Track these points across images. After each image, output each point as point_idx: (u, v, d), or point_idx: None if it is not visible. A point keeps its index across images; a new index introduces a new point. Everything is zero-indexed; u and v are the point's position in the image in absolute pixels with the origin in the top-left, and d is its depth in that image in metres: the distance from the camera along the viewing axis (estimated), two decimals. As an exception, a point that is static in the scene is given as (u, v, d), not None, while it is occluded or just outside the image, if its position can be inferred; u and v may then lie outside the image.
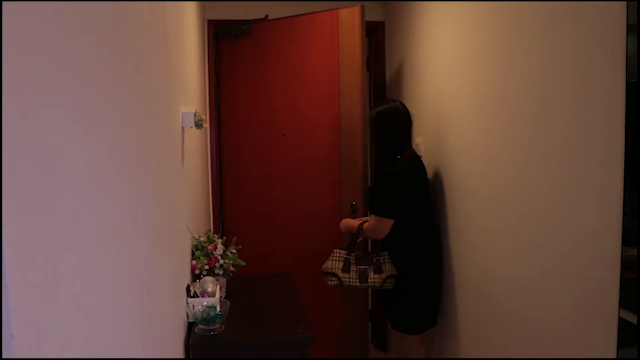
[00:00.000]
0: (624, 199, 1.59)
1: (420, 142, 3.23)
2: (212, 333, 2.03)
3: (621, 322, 1.67)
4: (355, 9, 3.49)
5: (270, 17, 3.85)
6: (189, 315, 2.07)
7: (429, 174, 3.05)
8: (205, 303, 2.06)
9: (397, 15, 3.77)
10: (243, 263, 2.47)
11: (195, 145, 2.85)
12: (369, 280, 2.84)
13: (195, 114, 2.16)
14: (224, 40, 3.86)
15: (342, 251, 2.92)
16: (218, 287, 2.24)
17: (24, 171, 0.59)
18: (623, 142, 1.56)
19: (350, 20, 3.53)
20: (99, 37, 0.94)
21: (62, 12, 0.74)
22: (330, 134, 3.60)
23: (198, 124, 2.21)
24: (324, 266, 2.92)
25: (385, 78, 4.07)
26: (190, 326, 2.10)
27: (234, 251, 2.46)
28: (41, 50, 0.66)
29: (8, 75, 0.55)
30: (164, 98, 1.73)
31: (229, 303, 2.11)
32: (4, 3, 0.55)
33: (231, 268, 2.42)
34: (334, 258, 2.90)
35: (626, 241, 1.65)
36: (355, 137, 3.49)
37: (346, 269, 2.87)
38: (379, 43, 4.06)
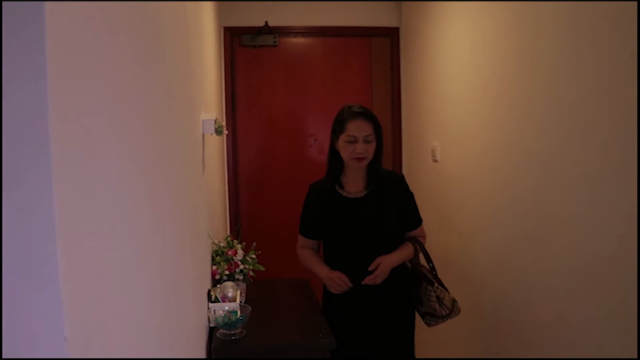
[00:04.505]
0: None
1: (437, 146, 3.24)
2: (233, 338, 2.05)
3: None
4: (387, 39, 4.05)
5: (284, 23, 3.91)
6: (210, 320, 2.09)
7: (446, 179, 3.05)
8: (226, 308, 2.08)
9: (412, 21, 3.79)
10: (262, 268, 2.49)
11: (213, 151, 2.88)
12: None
13: (215, 121, 2.19)
14: (242, 47, 3.92)
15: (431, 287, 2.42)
16: (238, 292, 2.26)
17: (72, 181, 0.62)
18: (636, 145, 1.56)
19: (382, 48, 4.06)
20: (134, 50, 0.96)
21: (111, 32, 0.77)
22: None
23: (218, 131, 2.23)
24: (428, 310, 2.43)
25: (400, 83, 4.09)
26: (212, 331, 2.12)
27: (254, 256, 2.48)
28: (87, 64, 0.69)
29: (56, 85, 0.57)
30: (187, 105, 1.76)
31: (249, 308, 2.13)
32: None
33: (251, 273, 2.44)
34: (431, 298, 2.40)
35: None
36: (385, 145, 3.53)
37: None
38: (394, 48, 4.08)
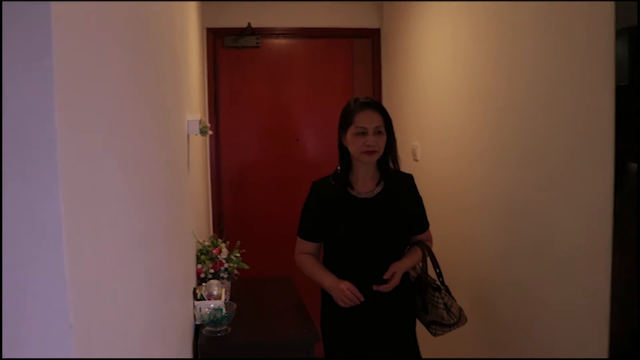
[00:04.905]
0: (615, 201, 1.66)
1: (417, 146, 3.30)
2: (219, 334, 2.09)
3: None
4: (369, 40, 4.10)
5: (267, 24, 3.94)
6: (196, 317, 2.12)
7: (427, 178, 3.11)
8: (212, 305, 2.11)
9: (393, 22, 3.84)
10: (247, 266, 2.53)
11: (196, 151, 2.90)
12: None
13: (200, 122, 2.22)
14: (225, 48, 3.95)
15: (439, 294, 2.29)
16: (223, 290, 2.29)
17: (75, 180, 0.65)
18: (613, 145, 1.64)
19: (364, 49, 4.12)
20: (127, 52, 1.00)
21: (106, 33, 0.81)
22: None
23: (203, 131, 2.27)
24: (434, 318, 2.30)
25: (381, 84, 4.15)
26: (197, 328, 2.15)
27: (238, 255, 2.52)
28: (86, 67, 0.72)
29: (60, 87, 0.61)
30: (174, 106, 1.79)
31: (235, 305, 2.17)
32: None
33: (235, 272, 2.47)
34: (438, 306, 2.28)
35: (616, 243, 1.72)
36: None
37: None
38: (376, 49, 4.14)
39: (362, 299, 2.17)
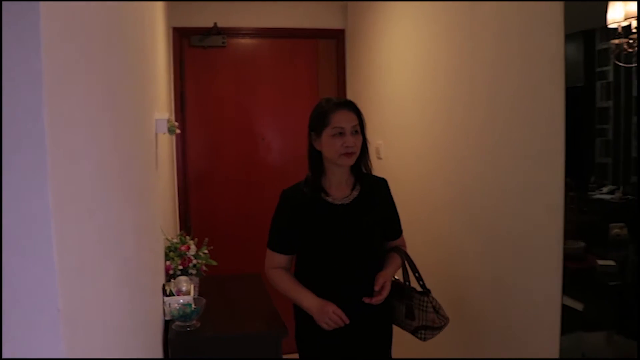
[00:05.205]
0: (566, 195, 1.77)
1: (381, 144, 3.38)
2: (188, 329, 2.13)
3: (566, 308, 1.85)
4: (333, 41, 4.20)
5: (233, 24, 3.98)
6: (166, 313, 2.15)
7: (391, 175, 3.19)
8: (181, 301, 2.15)
9: (357, 23, 3.93)
10: (215, 263, 2.57)
11: (163, 150, 2.93)
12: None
13: (168, 121, 2.25)
14: (191, 47, 3.98)
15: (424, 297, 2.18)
16: (192, 286, 2.32)
17: (61, 175, 0.70)
18: (563, 143, 1.74)
19: (328, 49, 4.21)
20: (103, 53, 1.04)
21: (86, 33, 0.85)
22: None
23: (171, 130, 2.30)
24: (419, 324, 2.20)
25: (345, 83, 4.22)
26: (167, 324, 2.19)
27: (206, 252, 2.56)
28: (71, 67, 0.77)
29: (49, 88, 0.65)
30: (143, 105, 1.82)
31: (204, 300, 2.21)
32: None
33: (204, 268, 2.51)
34: (428, 310, 2.16)
35: (569, 234, 1.83)
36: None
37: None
38: (340, 49, 4.21)
39: (348, 322, 2.04)
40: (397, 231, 2.31)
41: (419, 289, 2.20)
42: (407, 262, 2.23)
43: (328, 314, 2.03)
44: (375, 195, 2.20)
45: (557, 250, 1.80)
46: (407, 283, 2.21)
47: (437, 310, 2.15)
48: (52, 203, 0.64)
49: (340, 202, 2.14)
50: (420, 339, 2.18)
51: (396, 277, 2.25)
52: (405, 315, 2.19)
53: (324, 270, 2.13)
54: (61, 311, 0.65)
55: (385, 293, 2.09)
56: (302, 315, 2.16)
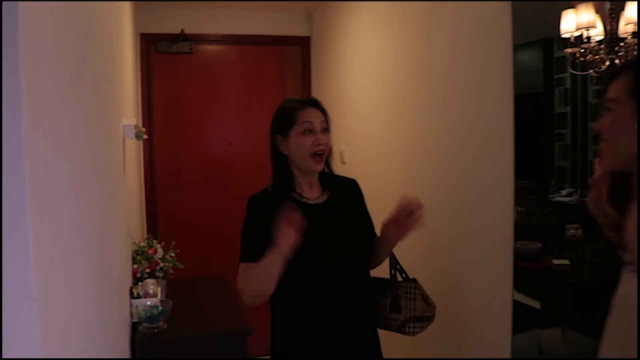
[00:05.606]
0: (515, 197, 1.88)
1: (345, 149, 3.47)
2: (155, 330, 2.17)
3: (516, 304, 1.95)
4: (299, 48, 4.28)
5: (200, 30, 4.03)
6: (133, 315, 2.20)
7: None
8: (148, 303, 2.20)
9: (323, 30, 4.02)
10: (181, 266, 2.62)
11: (130, 155, 2.96)
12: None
13: (135, 126, 2.30)
14: (158, 54, 4.01)
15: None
16: (159, 288, 2.37)
17: (37, 178, 0.76)
18: (513, 147, 1.85)
19: (294, 56, 4.30)
20: (73, 59, 1.10)
21: (59, 36, 0.91)
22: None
23: (138, 135, 2.35)
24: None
25: (311, 90, 4.31)
26: (134, 326, 2.23)
27: (173, 255, 2.61)
28: (45, 73, 0.83)
29: (27, 98, 0.71)
30: (110, 110, 1.87)
31: (171, 302, 2.26)
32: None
33: (170, 271, 2.56)
34: (416, 297, 2.02)
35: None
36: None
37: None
38: (306, 56, 4.30)
39: (298, 213, 1.73)
40: (372, 230, 2.10)
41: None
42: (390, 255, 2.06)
43: (283, 231, 1.72)
44: (348, 195, 2.06)
45: (508, 250, 1.90)
46: (393, 271, 2.05)
47: (425, 298, 2.01)
48: (29, 204, 0.71)
49: (315, 202, 1.96)
50: (408, 333, 1.98)
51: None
52: (390, 309, 2.00)
53: (308, 276, 1.87)
54: (36, 301, 0.71)
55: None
56: (279, 336, 1.93)
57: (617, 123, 1.23)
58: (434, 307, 2.00)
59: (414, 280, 2.01)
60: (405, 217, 1.89)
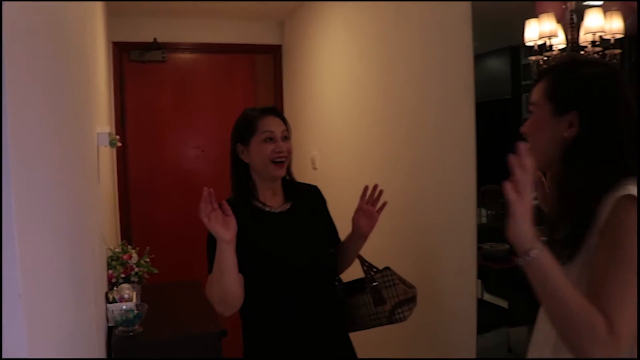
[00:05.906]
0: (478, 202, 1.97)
1: (316, 155, 3.55)
2: (131, 334, 2.22)
3: (486, 304, 2.04)
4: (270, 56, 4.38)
5: (173, 39, 4.08)
6: (109, 319, 2.24)
7: (325, 185, 3.35)
8: (124, 307, 2.24)
9: (293, 39, 4.10)
10: (156, 271, 2.67)
11: (104, 163, 2.99)
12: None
13: (109, 134, 2.35)
14: (131, 62, 4.05)
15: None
16: (134, 293, 2.41)
17: (22, 183, 0.82)
18: (475, 152, 1.95)
19: (265, 64, 4.39)
20: (50, 66, 1.15)
21: (34, 40, 0.96)
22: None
23: (112, 143, 2.39)
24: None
25: (282, 97, 4.39)
26: (110, 329, 2.26)
27: (147, 260, 2.65)
28: (26, 79, 0.88)
29: (11, 105, 0.77)
30: (85, 119, 1.91)
31: (146, 306, 2.30)
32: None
33: (145, 276, 2.61)
34: (395, 282, 2.04)
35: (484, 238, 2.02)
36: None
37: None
38: (277, 65, 4.38)
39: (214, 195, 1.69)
40: (338, 238, 2.14)
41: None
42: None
43: (215, 222, 1.67)
44: (311, 202, 2.09)
45: (472, 252, 1.99)
46: (365, 268, 2.08)
47: (403, 281, 2.02)
48: (14, 205, 0.76)
49: (279, 210, 1.97)
50: (399, 320, 2.00)
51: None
52: (375, 303, 2.01)
53: (275, 286, 1.89)
54: (22, 297, 0.77)
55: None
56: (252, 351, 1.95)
57: (536, 125, 1.30)
58: (415, 287, 2.02)
59: (388, 268, 2.03)
60: (371, 204, 1.98)
